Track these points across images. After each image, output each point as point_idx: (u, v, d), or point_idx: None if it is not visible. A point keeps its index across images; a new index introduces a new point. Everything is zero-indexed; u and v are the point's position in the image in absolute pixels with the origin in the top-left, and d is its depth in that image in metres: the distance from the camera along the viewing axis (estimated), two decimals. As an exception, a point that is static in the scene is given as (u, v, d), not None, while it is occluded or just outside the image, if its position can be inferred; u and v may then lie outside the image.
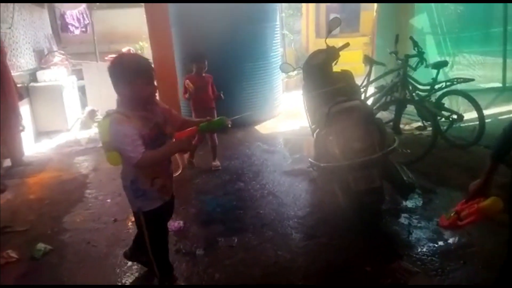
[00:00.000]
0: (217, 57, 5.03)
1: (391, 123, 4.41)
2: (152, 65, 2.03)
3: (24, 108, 5.44)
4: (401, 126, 4.51)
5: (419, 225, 3.00)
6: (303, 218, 3.22)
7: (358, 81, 4.42)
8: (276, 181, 3.99)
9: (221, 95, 4.31)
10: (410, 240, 2.82)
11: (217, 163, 4.42)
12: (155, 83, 2.03)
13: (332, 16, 9.14)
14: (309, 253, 2.74)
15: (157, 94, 2.17)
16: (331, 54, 3.59)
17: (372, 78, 5.12)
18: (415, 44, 4.66)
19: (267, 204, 3.50)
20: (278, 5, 7.27)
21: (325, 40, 3.68)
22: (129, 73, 1.88)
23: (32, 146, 5.51)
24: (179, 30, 5.74)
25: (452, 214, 1.83)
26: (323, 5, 11.04)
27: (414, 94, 4.57)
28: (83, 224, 3.30)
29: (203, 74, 4.27)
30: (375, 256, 2.63)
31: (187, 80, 4.15)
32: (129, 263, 2.69)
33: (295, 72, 4.65)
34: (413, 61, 4.61)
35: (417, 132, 4.79)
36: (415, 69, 4.63)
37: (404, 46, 5.00)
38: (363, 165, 2.73)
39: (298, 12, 11.08)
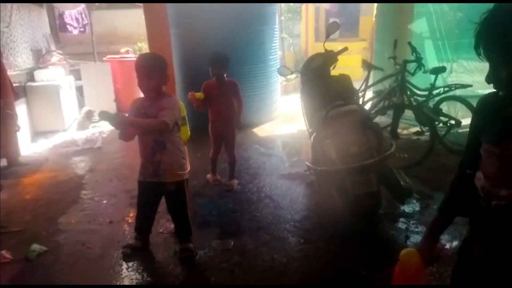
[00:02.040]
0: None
1: (389, 128, 4.41)
2: (149, 65, 2.44)
3: (21, 108, 5.42)
4: (399, 131, 4.51)
5: (416, 230, 2.99)
6: (299, 221, 3.21)
7: (357, 85, 4.43)
8: (273, 184, 3.98)
9: (240, 119, 3.87)
10: (407, 244, 2.81)
11: (232, 182, 3.94)
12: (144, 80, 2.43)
13: (331, 20, 9.18)
14: (305, 257, 2.73)
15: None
16: (329, 58, 3.59)
17: (370, 82, 5.14)
18: (413, 49, 4.67)
19: (264, 207, 3.48)
20: (277, 8, 7.27)
21: (324, 44, 3.68)
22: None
23: (28, 146, 5.48)
24: (178, 31, 5.74)
25: None
26: (322, 9, 11.08)
27: (412, 99, 4.58)
28: (78, 225, 3.27)
29: (225, 80, 3.68)
30: (372, 260, 2.62)
31: (191, 93, 3.54)
32: (125, 265, 2.67)
33: (294, 75, 4.66)
34: (411, 66, 4.62)
35: (415, 137, 4.79)
36: (413, 74, 4.64)
37: (403, 51, 5.02)
38: (361, 169, 2.72)
39: (297, 15, 11.12)
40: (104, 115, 2.32)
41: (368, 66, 5.02)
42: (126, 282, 2.52)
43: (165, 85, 2.52)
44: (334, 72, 3.69)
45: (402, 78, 4.52)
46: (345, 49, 3.70)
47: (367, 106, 4.86)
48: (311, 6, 10.91)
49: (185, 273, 2.58)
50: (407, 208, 3.31)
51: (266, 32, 6.25)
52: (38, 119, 6.11)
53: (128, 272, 2.61)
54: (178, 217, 2.77)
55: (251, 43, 6.00)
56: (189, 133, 3.32)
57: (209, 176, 4.10)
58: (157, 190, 2.66)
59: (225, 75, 3.68)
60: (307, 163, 3.37)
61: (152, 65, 2.43)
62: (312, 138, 3.46)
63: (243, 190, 3.87)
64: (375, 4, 8.33)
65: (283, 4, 10.03)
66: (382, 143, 2.91)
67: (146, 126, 2.46)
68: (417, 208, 3.33)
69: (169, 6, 5.00)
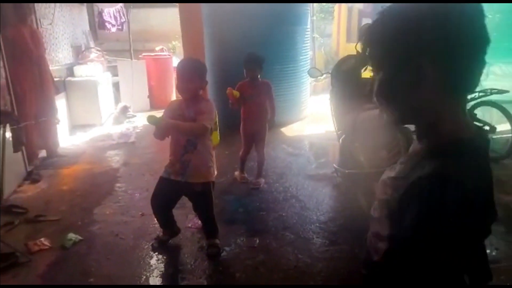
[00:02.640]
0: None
1: (420, 132, 4.33)
2: (189, 69, 2.56)
3: (60, 102, 5.67)
4: (430, 135, 4.42)
5: (444, 237, 2.94)
6: (325, 223, 3.22)
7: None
8: (300, 184, 4.00)
9: (274, 119, 3.93)
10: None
11: (259, 180, 3.97)
12: (181, 83, 2.55)
13: (364, 21, 9.05)
14: (330, 259, 2.75)
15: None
16: (361, 60, 3.57)
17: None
18: (449, 52, 4.54)
19: (290, 207, 3.52)
20: (310, 8, 7.25)
21: (356, 46, 3.66)
22: None
23: (67, 139, 5.72)
24: (211, 31, 5.84)
25: None
26: (355, 10, 10.90)
27: (445, 103, 4.47)
28: (112, 216, 3.42)
29: (259, 81, 3.73)
30: (397, 266, 2.60)
31: (229, 88, 3.61)
32: (155, 257, 2.79)
33: (323, 76, 4.64)
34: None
35: (447, 142, 4.67)
36: (447, 78, 4.52)
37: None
38: (389, 174, 2.71)
39: (329, 16, 11.01)
40: (151, 120, 2.46)
41: (400, 68, 4.92)
42: (155, 273, 2.63)
43: (202, 90, 2.64)
44: (365, 74, 3.67)
45: (435, 82, 4.42)
46: (378, 51, 3.66)
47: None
48: (344, 6, 10.76)
49: (211, 268, 2.66)
50: (435, 215, 3.26)
51: (298, 32, 6.26)
52: (77, 113, 6.37)
53: (158, 264, 2.72)
54: (204, 217, 2.85)
55: (283, 43, 6.02)
56: (219, 139, 3.40)
57: (236, 173, 4.17)
58: (179, 190, 2.71)
59: (259, 76, 3.73)
60: (334, 165, 3.38)
61: (192, 70, 2.56)
62: (340, 140, 3.47)
63: (269, 189, 3.92)
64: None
65: (315, 4, 9.96)
66: (412, 148, 2.89)
67: (188, 129, 2.55)
68: (446, 215, 3.26)
69: (203, 6, 5.09)
